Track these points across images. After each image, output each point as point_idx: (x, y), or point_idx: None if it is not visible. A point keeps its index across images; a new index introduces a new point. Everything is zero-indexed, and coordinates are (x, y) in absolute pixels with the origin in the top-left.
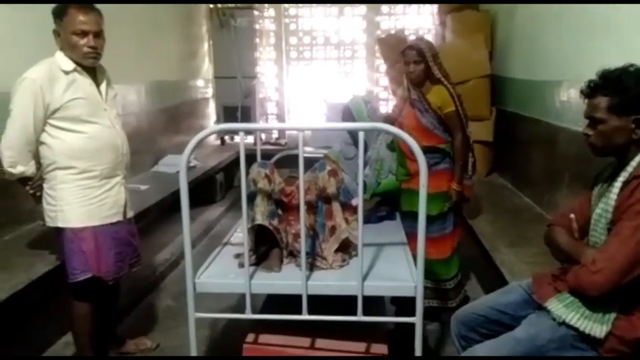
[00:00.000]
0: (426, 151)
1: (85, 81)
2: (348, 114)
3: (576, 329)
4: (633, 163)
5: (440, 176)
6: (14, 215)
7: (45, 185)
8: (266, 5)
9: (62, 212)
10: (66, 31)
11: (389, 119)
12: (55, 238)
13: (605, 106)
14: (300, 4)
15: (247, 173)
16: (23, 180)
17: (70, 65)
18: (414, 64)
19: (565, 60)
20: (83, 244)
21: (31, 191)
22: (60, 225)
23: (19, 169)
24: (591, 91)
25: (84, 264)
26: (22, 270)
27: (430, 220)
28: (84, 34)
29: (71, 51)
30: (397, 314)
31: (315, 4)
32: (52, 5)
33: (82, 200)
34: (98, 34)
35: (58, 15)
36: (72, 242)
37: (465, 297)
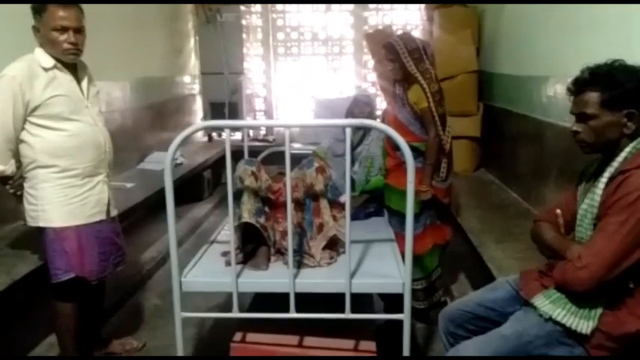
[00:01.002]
0: (398, 147)
1: (65, 78)
2: (349, 110)
3: (563, 325)
4: (619, 159)
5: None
6: None
7: (25, 184)
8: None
9: (44, 212)
10: (45, 27)
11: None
12: (37, 238)
13: (597, 102)
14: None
15: (234, 170)
16: (3, 179)
17: (50, 62)
18: (390, 62)
19: (551, 56)
20: (66, 244)
21: (12, 190)
22: (41, 225)
23: None
24: (580, 87)
25: (67, 264)
26: (3, 271)
27: (401, 217)
28: (64, 30)
29: (51, 47)
30: (386, 309)
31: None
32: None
33: (63, 199)
34: (79, 30)
35: (37, 11)
36: (54, 242)
37: (438, 302)
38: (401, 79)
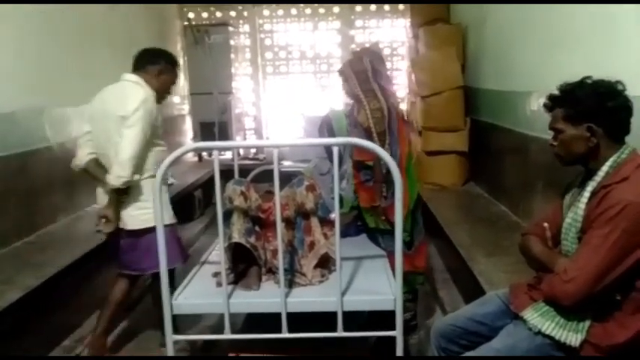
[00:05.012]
0: (360, 167)
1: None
2: (327, 127)
3: (552, 338)
4: (601, 173)
5: (370, 192)
6: None
7: (136, 193)
8: (240, 21)
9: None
10: (172, 77)
11: None
12: (128, 241)
13: (562, 117)
14: (275, 19)
15: (224, 191)
16: (123, 190)
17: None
18: (343, 84)
19: (533, 72)
20: (171, 237)
21: (122, 199)
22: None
23: (135, 178)
24: (551, 105)
25: (178, 253)
26: None
27: (370, 231)
28: None
29: (164, 90)
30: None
31: (289, 19)
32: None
33: (165, 203)
34: None
35: (172, 63)
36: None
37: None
38: (353, 100)
